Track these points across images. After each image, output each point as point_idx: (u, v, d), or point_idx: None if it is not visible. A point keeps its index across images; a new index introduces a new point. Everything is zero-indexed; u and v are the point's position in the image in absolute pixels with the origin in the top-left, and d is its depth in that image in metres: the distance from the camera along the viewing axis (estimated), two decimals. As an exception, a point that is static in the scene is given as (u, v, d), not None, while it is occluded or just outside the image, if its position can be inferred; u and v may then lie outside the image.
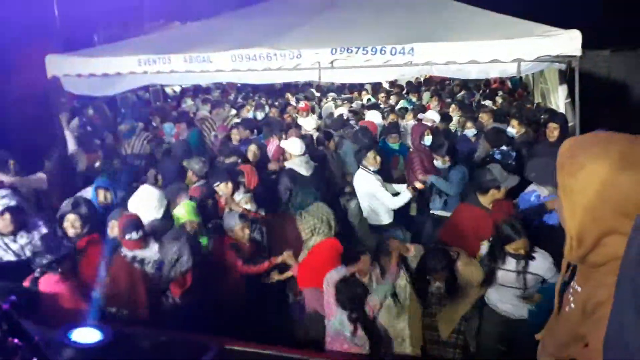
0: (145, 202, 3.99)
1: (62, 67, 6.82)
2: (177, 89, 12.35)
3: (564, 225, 1.43)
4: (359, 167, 5.27)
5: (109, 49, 7.36)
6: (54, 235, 3.56)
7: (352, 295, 3.26)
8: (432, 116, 7.23)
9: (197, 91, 11.89)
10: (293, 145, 5.40)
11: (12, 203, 3.75)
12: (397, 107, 8.95)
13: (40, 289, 3.22)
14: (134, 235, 3.48)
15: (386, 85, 11.59)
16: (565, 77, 5.94)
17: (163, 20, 12.16)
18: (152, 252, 3.58)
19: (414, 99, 10.11)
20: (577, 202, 1.34)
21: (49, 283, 3.22)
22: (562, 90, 6.22)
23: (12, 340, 1.17)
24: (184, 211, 4.00)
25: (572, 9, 8.97)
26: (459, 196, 4.95)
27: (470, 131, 6.75)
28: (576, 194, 1.33)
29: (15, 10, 7.04)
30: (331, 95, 11.15)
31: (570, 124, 5.62)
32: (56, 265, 3.18)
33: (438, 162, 5.14)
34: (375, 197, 4.98)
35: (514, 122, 6.23)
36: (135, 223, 3.57)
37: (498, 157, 5.27)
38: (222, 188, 4.62)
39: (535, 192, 4.13)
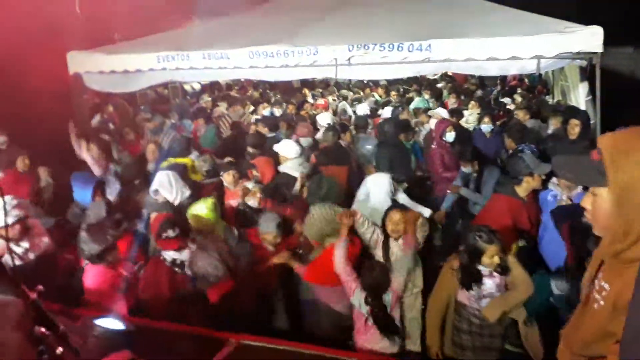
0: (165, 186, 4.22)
1: (84, 63, 6.96)
2: (196, 85, 12.46)
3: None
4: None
5: (129, 46, 7.47)
6: (99, 227, 3.55)
7: (374, 281, 3.28)
8: (441, 113, 7.19)
9: (214, 88, 12.00)
10: (286, 149, 5.17)
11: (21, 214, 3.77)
12: (412, 106, 8.90)
13: (85, 278, 3.35)
14: (170, 233, 3.37)
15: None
16: (586, 74, 5.85)
17: (182, 17, 12.25)
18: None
19: (426, 96, 10.02)
20: (627, 197, 1.37)
21: (94, 273, 3.33)
22: (583, 88, 6.13)
23: (39, 329, 1.23)
24: (204, 208, 3.89)
25: (593, 5, 8.80)
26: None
27: (487, 126, 6.68)
28: (628, 189, 1.36)
29: (39, 7, 7.16)
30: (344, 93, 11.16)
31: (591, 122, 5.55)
32: (101, 257, 3.28)
33: (467, 169, 5.12)
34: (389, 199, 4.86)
35: (555, 119, 6.10)
36: (171, 221, 3.47)
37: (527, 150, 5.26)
38: (226, 178, 4.76)
39: (552, 192, 4.08)
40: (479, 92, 10.47)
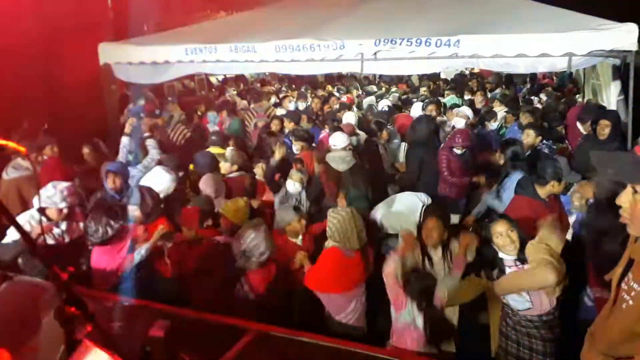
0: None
1: (114, 54, 7.10)
2: (221, 78, 12.59)
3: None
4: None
5: (158, 38, 7.59)
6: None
7: (421, 287, 3.19)
8: (466, 112, 7.01)
9: (239, 81, 12.10)
10: (335, 138, 5.09)
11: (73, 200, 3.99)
12: (447, 102, 8.76)
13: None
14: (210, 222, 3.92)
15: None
16: (620, 72, 5.70)
17: (209, 10, 12.38)
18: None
19: (452, 95, 9.82)
20: None
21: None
22: (615, 87, 5.97)
23: (70, 309, 1.28)
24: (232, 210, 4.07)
25: (628, 1, 8.54)
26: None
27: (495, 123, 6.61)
28: None
29: (71, 0, 7.34)
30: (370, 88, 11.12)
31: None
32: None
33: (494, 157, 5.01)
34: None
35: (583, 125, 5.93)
36: (206, 212, 4.00)
37: (545, 150, 5.16)
38: (257, 171, 5.02)
39: (578, 195, 4.00)
40: (504, 91, 10.25)
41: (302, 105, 8.74)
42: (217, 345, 2.64)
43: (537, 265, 2.99)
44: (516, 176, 4.60)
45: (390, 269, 3.26)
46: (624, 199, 1.50)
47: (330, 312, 3.63)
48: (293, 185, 4.78)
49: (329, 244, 3.70)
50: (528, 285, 3.10)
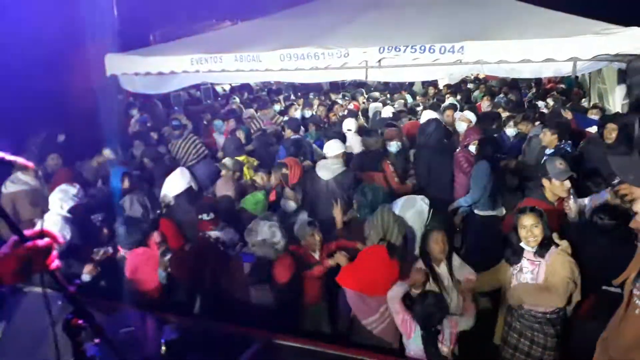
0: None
1: (120, 65, 7.16)
2: (227, 87, 12.66)
3: None
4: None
5: (164, 48, 7.65)
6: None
7: (428, 310, 3.13)
8: (468, 116, 6.97)
9: (244, 90, 12.16)
10: (327, 146, 5.17)
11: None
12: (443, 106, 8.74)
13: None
14: (205, 216, 3.93)
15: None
16: (625, 77, 5.68)
17: (214, 20, 12.47)
18: (229, 234, 3.90)
19: (452, 100, 9.78)
20: None
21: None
22: (620, 91, 5.96)
23: (78, 321, 1.29)
24: (251, 204, 4.19)
25: (632, 5, 8.52)
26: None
27: (512, 130, 6.54)
28: None
29: (78, 11, 7.42)
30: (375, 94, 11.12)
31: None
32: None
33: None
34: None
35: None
36: (208, 204, 4.06)
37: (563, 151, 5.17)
38: (258, 179, 5.07)
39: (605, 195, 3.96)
40: (509, 96, 10.20)
41: (308, 113, 8.74)
42: (227, 354, 2.65)
43: (557, 284, 3.11)
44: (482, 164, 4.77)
45: (395, 294, 3.27)
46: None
47: (357, 315, 3.56)
48: (288, 204, 4.73)
49: (369, 242, 3.70)
50: (542, 303, 3.22)
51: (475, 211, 5.06)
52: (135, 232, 3.87)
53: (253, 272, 3.49)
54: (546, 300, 3.20)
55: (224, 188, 5.07)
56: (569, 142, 5.47)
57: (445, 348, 3.14)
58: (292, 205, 4.70)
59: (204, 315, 3.68)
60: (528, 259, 3.31)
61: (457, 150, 5.60)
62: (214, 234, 3.87)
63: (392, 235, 3.60)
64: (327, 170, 4.90)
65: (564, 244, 3.29)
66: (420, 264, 3.55)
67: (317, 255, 3.92)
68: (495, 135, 6.45)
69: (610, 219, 3.27)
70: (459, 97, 10.05)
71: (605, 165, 4.37)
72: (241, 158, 5.74)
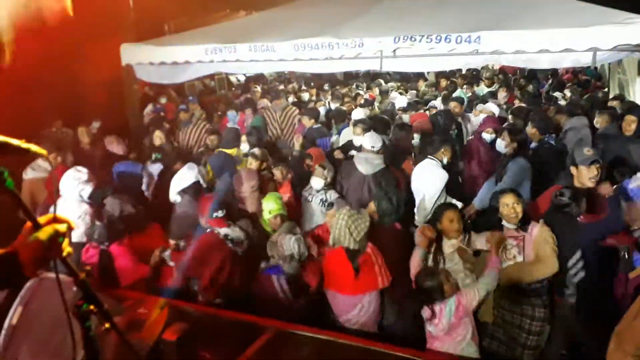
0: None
1: (136, 55, 7.20)
2: (241, 77, 12.66)
3: None
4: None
5: (178, 38, 7.67)
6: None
7: (432, 284, 3.09)
8: (491, 108, 6.87)
9: (259, 80, 12.15)
10: (367, 139, 4.89)
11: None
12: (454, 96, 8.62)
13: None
14: (220, 213, 3.86)
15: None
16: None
17: (229, 10, 12.45)
18: (236, 232, 3.86)
19: (465, 92, 9.63)
20: None
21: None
22: (641, 82, 5.83)
23: (87, 307, 1.31)
24: (272, 204, 4.03)
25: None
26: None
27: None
28: None
29: (94, 2, 7.46)
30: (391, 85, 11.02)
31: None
32: None
33: (502, 143, 4.96)
34: (436, 191, 4.64)
35: (601, 118, 5.76)
36: (220, 203, 3.99)
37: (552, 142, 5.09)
38: (275, 173, 4.95)
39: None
40: (529, 88, 10.01)
41: (333, 105, 8.64)
42: (237, 343, 2.67)
43: (549, 253, 3.34)
44: (513, 164, 4.67)
45: (415, 261, 3.42)
46: None
47: (336, 312, 3.63)
48: (317, 181, 4.67)
49: (330, 242, 3.65)
50: (539, 275, 3.40)
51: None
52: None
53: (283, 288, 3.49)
54: (541, 272, 3.38)
55: (247, 179, 4.76)
56: (553, 135, 5.36)
57: (439, 326, 3.03)
58: (320, 183, 4.60)
59: (215, 305, 3.70)
60: (510, 236, 3.49)
61: (469, 138, 5.54)
62: (223, 231, 3.84)
63: (345, 240, 3.49)
64: (369, 165, 4.68)
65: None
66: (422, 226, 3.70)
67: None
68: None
69: (570, 199, 3.54)
70: (475, 88, 9.91)
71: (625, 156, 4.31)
72: (233, 151, 5.64)
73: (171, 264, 3.78)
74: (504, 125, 5.78)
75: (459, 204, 4.40)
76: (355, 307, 3.49)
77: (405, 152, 5.41)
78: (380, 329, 3.67)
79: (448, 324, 3.02)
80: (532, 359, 3.47)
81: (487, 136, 5.53)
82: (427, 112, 7.35)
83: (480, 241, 3.54)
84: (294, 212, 4.58)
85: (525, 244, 3.44)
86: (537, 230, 3.43)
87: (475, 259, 3.53)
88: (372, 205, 3.99)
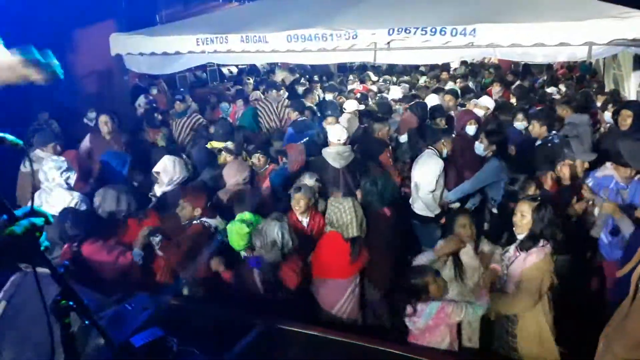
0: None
1: (125, 45, 7.07)
2: (234, 69, 12.55)
3: None
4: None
5: (169, 28, 7.55)
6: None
7: (417, 282, 3.06)
8: (486, 103, 6.79)
9: (251, 72, 12.03)
10: (333, 132, 4.84)
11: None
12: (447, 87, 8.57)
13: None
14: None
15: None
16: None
17: (221, 0, 12.33)
18: (222, 224, 3.82)
19: (454, 85, 9.55)
20: None
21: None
22: (636, 77, 5.82)
23: (66, 302, 1.25)
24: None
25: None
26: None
27: (520, 124, 5.78)
28: None
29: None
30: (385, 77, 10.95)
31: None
32: None
33: (480, 146, 4.91)
34: (433, 177, 4.67)
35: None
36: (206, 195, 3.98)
37: (556, 141, 5.01)
38: (255, 160, 4.87)
39: (614, 179, 3.87)
40: (523, 82, 9.97)
41: (329, 97, 8.53)
42: (226, 338, 2.62)
43: (523, 290, 3.03)
44: (486, 164, 4.67)
45: (418, 261, 3.38)
46: None
47: (325, 305, 3.64)
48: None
49: (327, 229, 3.74)
50: (504, 312, 3.19)
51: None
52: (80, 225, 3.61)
53: (263, 281, 3.44)
54: (515, 308, 3.13)
55: (239, 171, 4.60)
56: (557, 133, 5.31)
57: (417, 324, 3.02)
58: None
59: (202, 300, 3.63)
60: (515, 246, 3.25)
61: (454, 134, 5.44)
62: (210, 221, 3.80)
63: (347, 230, 3.61)
64: (340, 158, 4.66)
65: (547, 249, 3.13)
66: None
67: (305, 222, 4.01)
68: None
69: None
70: (470, 82, 9.88)
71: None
72: (220, 145, 5.52)
73: (159, 252, 3.67)
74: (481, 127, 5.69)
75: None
76: (346, 292, 3.62)
77: (382, 143, 5.34)
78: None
79: (425, 325, 2.99)
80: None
81: (471, 129, 5.44)
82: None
83: (488, 260, 3.47)
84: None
85: (515, 263, 3.16)
86: (532, 258, 3.07)
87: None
88: (358, 194, 4.16)
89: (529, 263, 3.06)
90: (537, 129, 5.21)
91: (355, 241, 3.62)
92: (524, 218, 3.13)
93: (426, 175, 4.69)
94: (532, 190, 3.76)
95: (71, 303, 1.25)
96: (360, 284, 3.78)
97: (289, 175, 4.71)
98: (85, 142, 5.60)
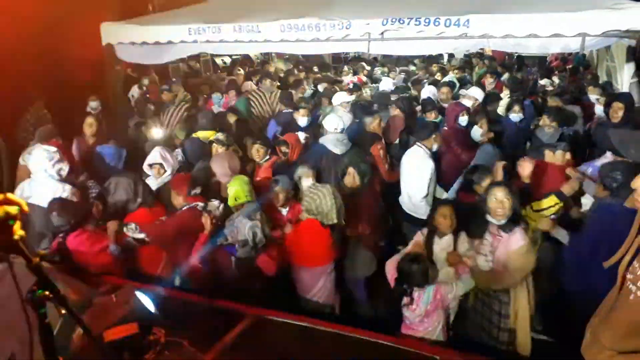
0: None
1: (117, 34, 7.01)
2: (227, 60, 12.43)
3: None
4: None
5: (162, 17, 7.47)
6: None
7: (408, 270, 3.06)
8: (474, 93, 6.69)
9: (245, 62, 11.92)
10: (329, 121, 4.89)
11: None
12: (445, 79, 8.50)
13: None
14: (197, 190, 3.92)
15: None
16: (635, 54, 5.53)
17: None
18: (212, 205, 3.80)
19: (454, 76, 9.50)
20: None
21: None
22: (629, 69, 5.81)
23: (43, 292, 1.23)
24: (238, 189, 3.73)
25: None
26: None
27: (516, 116, 5.55)
28: None
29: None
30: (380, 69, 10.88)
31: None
32: None
33: (478, 131, 4.87)
34: (424, 183, 4.52)
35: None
36: (194, 180, 4.02)
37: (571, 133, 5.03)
38: (254, 151, 4.80)
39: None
40: (516, 74, 9.92)
41: (320, 88, 8.47)
42: (215, 330, 2.61)
43: (511, 270, 3.09)
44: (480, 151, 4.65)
45: (392, 260, 3.34)
46: (639, 182, 1.40)
47: (302, 290, 3.71)
48: (305, 181, 4.40)
49: (303, 216, 3.70)
50: (494, 287, 3.24)
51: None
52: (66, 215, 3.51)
53: (239, 269, 3.44)
54: (505, 283, 3.19)
55: (225, 163, 4.48)
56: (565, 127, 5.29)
57: (416, 311, 3.06)
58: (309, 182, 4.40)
59: (191, 290, 3.61)
60: (491, 232, 3.27)
61: (444, 129, 5.35)
62: (201, 204, 3.78)
63: (326, 217, 3.59)
64: (341, 145, 4.70)
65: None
66: (419, 236, 3.58)
67: (284, 212, 4.01)
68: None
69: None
70: (465, 73, 9.81)
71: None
72: (209, 134, 5.38)
73: (141, 235, 3.57)
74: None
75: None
76: (322, 277, 3.68)
77: (374, 136, 5.31)
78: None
79: (425, 310, 3.04)
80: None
81: (463, 119, 5.31)
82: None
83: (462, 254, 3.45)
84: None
85: (500, 247, 3.19)
86: (517, 238, 3.13)
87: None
88: (350, 170, 4.11)
89: (515, 242, 3.11)
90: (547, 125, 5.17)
91: (334, 228, 3.61)
92: (504, 202, 3.14)
93: (417, 180, 4.53)
94: (487, 182, 3.70)
95: (47, 293, 1.23)
96: (335, 269, 3.81)
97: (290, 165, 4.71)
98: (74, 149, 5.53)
